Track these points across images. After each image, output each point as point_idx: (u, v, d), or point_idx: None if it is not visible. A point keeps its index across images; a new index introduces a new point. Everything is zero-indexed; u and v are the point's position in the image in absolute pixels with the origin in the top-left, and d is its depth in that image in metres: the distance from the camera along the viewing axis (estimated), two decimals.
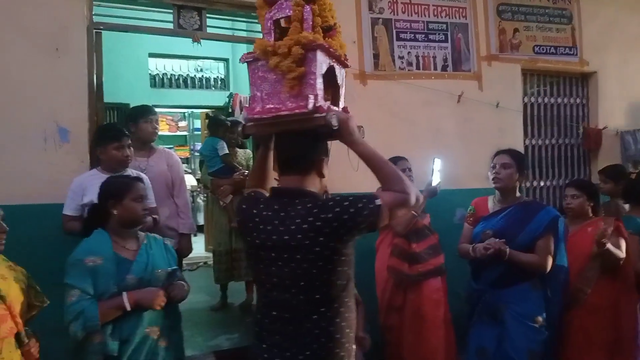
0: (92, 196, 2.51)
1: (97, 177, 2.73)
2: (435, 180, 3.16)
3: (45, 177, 3.01)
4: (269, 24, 1.69)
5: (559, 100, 4.92)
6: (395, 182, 1.57)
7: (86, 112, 3.20)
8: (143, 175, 2.96)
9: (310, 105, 1.58)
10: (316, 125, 1.61)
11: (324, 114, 1.58)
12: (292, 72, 1.59)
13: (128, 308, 2.03)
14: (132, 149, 2.97)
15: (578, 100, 4.99)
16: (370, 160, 1.61)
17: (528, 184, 4.68)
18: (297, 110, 1.60)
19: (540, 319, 2.63)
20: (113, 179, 2.39)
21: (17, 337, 1.91)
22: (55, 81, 3.10)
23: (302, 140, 1.65)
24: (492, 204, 2.87)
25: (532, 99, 4.78)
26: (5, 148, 2.97)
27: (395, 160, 2.91)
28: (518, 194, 2.82)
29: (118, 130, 3.00)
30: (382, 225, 1.58)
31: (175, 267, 2.27)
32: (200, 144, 8.81)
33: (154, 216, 2.88)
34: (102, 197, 2.24)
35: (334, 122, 1.59)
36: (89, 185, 2.76)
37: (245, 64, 1.74)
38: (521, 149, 4.28)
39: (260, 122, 1.71)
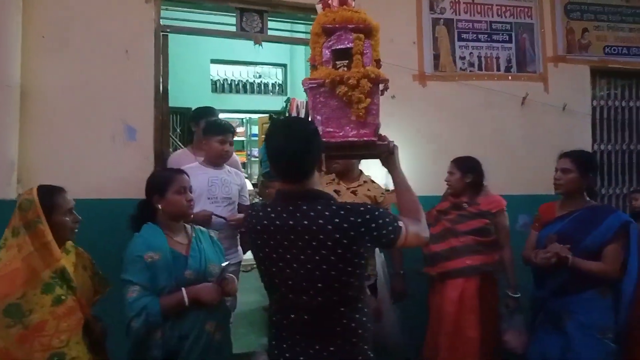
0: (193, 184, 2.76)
1: (198, 169, 2.99)
2: None
3: (113, 174, 3.15)
4: (327, 53, 1.81)
5: (631, 103, 4.63)
6: (419, 216, 1.72)
7: (152, 113, 3.33)
8: (240, 176, 3.25)
9: (376, 134, 1.80)
10: (379, 152, 1.82)
11: (386, 142, 1.82)
12: (361, 102, 1.75)
13: (187, 304, 2.03)
14: (233, 147, 3.12)
15: None
16: (404, 188, 1.79)
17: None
18: (365, 138, 1.79)
19: (607, 329, 2.48)
20: (155, 174, 2.40)
21: (86, 326, 1.98)
22: (124, 83, 3.25)
23: (302, 145, 1.60)
24: (558, 208, 2.74)
25: (602, 102, 4.53)
26: (79, 145, 3.14)
27: None
28: (587, 198, 2.68)
29: (225, 125, 3.14)
30: (396, 247, 1.65)
31: (227, 262, 2.25)
32: (257, 149, 9.00)
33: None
34: (147, 193, 2.24)
35: (396, 150, 1.81)
36: (190, 175, 2.90)
37: (309, 71, 1.91)
38: None
39: (324, 145, 1.75)
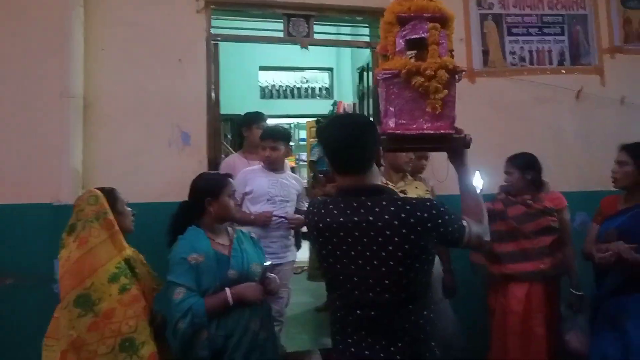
0: (252, 186, 3.09)
1: (260, 171, 3.19)
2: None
3: (170, 178, 3.26)
4: (401, 42, 1.75)
5: None
6: (482, 218, 1.68)
7: (205, 118, 3.45)
8: (299, 181, 3.41)
9: (452, 127, 1.74)
10: (456, 145, 1.75)
11: (463, 135, 1.75)
12: (439, 93, 1.70)
13: (231, 303, 2.08)
14: (279, 151, 3.20)
15: None
16: (470, 188, 1.75)
17: None
18: (442, 130, 1.73)
19: None
20: (206, 177, 2.43)
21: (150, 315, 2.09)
22: (178, 90, 3.38)
23: (360, 135, 1.58)
24: (622, 202, 2.64)
25: None
26: (138, 151, 3.30)
27: None
28: None
29: (267, 131, 3.29)
30: (459, 247, 1.61)
31: (269, 262, 2.29)
32: (305, 154, 9.10)
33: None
34: (199, 195, 2.27)
35: (470, 143, 1.74)
36: (252, 177, 3.14)
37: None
38: None
39: (397, 137, 1.73)
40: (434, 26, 1.72)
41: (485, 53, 3.88)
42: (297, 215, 3.15)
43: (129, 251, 2.14)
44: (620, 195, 2.68)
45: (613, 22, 4.11)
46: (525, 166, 2.91)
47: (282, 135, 3.26)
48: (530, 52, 3.96)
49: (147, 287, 2.16)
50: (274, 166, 3.22)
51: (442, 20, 1.76)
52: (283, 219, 3.09)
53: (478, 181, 2.86)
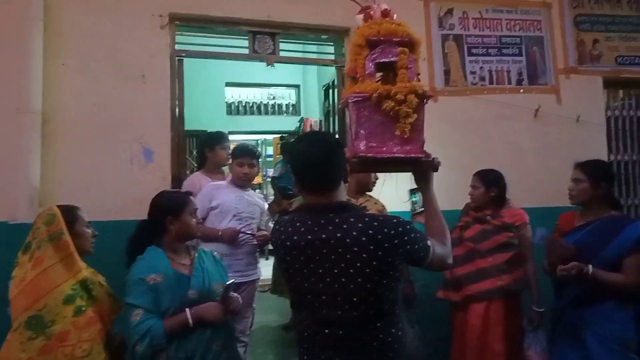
0: (218, 201, 3.06)
1: (227, 187, 3.16)
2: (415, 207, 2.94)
3: (131, 195, 3.20)
4: (371, 66, 1.77)
5: None
6: (445, 240, 1.70)
7: (169, 135, 3.41)
8: (262, 200, 3.38)
9: (422, 150, 1.78)
10: (424, 168, 1.78)
11: (431, 158, 1.78)
12: (409, 117, 1.72)
13: (191, 324, 2.03)
14: (255, 169, 3.21)
15: None
16: (435, 209, 1.77)
17: None
18: (412, 154, 1.75)
19: (628, 341, 2.41)
20: (167, 194, 2.38)
21: (107, 337, 2.03)
22: (141, 106, 3.34)
23: (328, 154, 1.59)
24: (578, 218, 2.72)
25: (617, 112, 4.51)
26: (99, 168, 3.23)
27: None
28: (606, 207, 2.64)
29: (244, 149, 3.27)
30: (422, 266, 1.61)
31: (231, 281, 2.23)
32: (272, 170, 9.07)
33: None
34: (159, 213, 2.21)
35: (439, 167, 1.79)
36: (220, 192, 3.11)
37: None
38: None
39: (369, 160, 1.74)
40: (402, 50, 1.75)
41: (447, 72, 3.98)
42: (264, 232, 3.14)
43: (85, 272, 2.07)
44: (577, 211, 2.76)
45: (568, 43, 4.29)
46: (491, 182, 2.98)
47: (257, 153, 3.29)
48: (490, 71, 4.08)
49: (105, 309, 2.09)
50: (248, 183, 3.22)
51: (410, 45, 1.80)
52: (249, 236, 3.07)
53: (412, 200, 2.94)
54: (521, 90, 4.12)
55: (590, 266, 2.41)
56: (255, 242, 3.13)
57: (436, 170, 1.79)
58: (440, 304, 3.15)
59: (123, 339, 2.13)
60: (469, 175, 3.12)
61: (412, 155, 1.75)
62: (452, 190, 3.10)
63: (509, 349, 2.80)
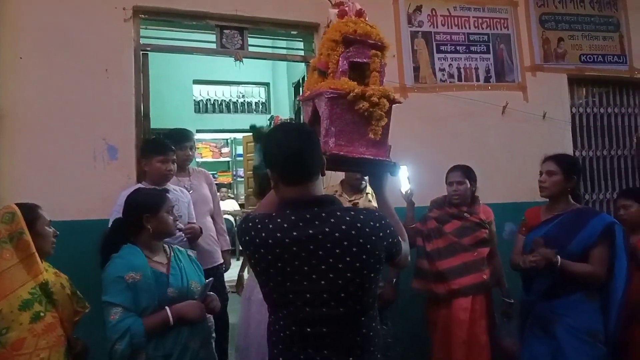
0: None
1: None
2: (404, 187, 2.98)
3: (94, 194, 3.10)
4: (345, 64, 1.75)
5: (609, 110, 4.72)
6: (405, 238, 1.71)
7: (133, 131, 3.31)
8: (186, 193, 3.12)
9: (389, 154, 1.84)
10: (387, 170, 1.82)
11: (393, 162, 1.83)
12: (382, 120, 1.75)
13: (172, 322, 2.00)
14: (175, 164, 3.02)
15: (630, 110, 4.78)
16: (391, 211, 1.77)
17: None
18: (379, 157, 1.80)
19: (596, 333, 2.47)
20: (145, 192, 2.32)
21: (68, 343, 1.95)
22: (105, 102, 3.23)
23: (306, 143, 1.55)
24: (544, 212, 2.76)
25: (581, 109, 4.61)
26: (59, 165, 3.10)
27: None
28: (572, 201, 2.70)
29: (164, 144, 3.03)
30: (392, 262, 1.63)
31: (211, 279, 2.22)
32: (242, 169, 8.98)
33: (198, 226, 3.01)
34: (136, 211, 2.17)
35: (398, 171, 1.85)
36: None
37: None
38: None
39: (339, 158, 1.72)
40: (375, 53, 1.77)
41: (416, 69, 3.99)
42: (192, 225, 2.98)
43: (46, 275, 1.97)
44: (543, 206, 2.80)
45: (533, 41, 4.36)
46: (472, 178, 3.02)
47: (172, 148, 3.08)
48: (459, 69, 4.11)
49: (67, 313, 2.01)
50: (168, 181, 3.03)
51: (381, 49, 1.82)
52: (181, 233, 2.87)
53: (404, 179, 2.95)
54: (489, 88, 4.16)
55: (558, 257, 2.45)
56: (185, 239, 2.92)
57: (395, 174, 1.84)
58: (411, 302, 3.15)
59: (85, 345, 2.06)
60: (437, 171, 3.15)
61: (380, 158, 1.79)
62: (421, 185, 3.12)
63: (491, 340, 2.86)
